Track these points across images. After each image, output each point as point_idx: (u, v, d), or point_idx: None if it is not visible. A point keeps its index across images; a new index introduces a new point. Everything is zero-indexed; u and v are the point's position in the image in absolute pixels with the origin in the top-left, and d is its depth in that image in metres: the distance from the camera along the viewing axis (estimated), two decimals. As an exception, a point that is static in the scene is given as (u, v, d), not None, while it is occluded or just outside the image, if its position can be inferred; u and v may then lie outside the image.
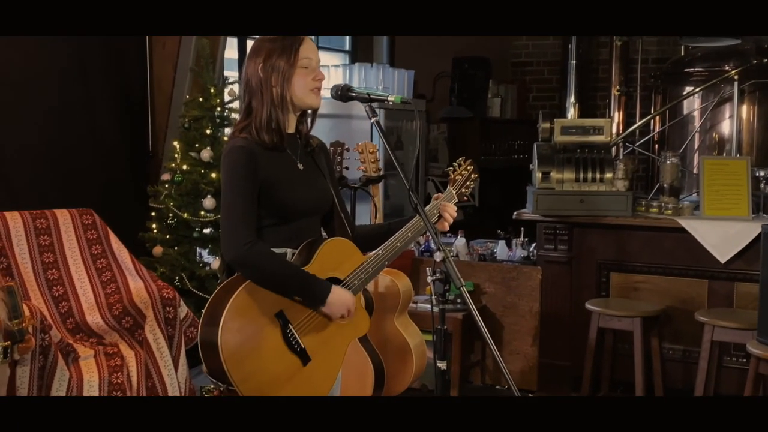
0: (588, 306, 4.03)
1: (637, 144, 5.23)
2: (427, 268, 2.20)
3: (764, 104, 4.89)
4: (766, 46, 4.92)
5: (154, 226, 4.25)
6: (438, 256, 2.09)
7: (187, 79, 4.56)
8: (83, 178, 4.24)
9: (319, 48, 2.37)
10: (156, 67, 4.66)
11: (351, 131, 5.01)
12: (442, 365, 2.15)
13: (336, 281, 2.25)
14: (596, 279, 4.33)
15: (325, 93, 2.31)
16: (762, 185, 4.19)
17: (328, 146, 2.62)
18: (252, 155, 2.19)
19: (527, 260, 4.66)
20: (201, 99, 4.27)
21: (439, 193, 2.56)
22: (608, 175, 4.26)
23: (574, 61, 6.62)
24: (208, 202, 4.11)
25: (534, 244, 4.63)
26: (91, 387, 3.12)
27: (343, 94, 2.29)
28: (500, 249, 4.82)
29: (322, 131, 4.84)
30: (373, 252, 2.34)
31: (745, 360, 3.83)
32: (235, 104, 4.31)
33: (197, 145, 4.21)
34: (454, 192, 2.57)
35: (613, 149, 4.87)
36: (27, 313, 2.84)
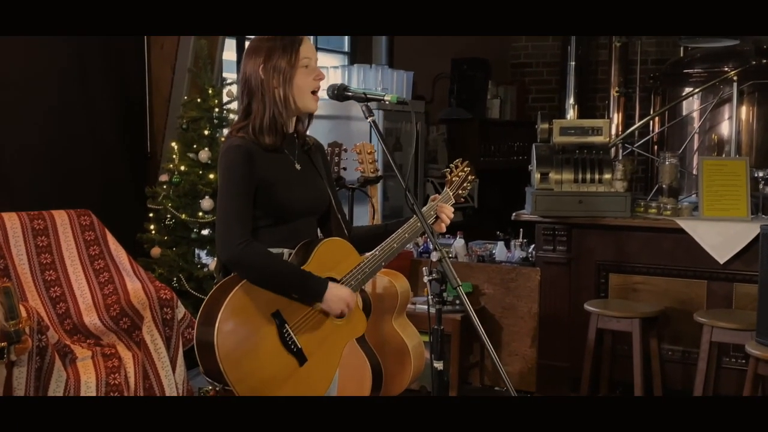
0: (587, 307, 4.03)
1: (636, 145, 5.23)
2: (424, 268, 2.19)
3: (763, 105, 4.88)
4: (765, 46, 4.92)
5: (152, 227, 4.25)
6: (435, 256, 2.09)
7: (186, 80, 4.56)
8: (81, 179, 4.24)
9: (318, 49, 2.37)
10: (154, 68, 4.66)
11: (349, 132, 5.00)
12: (439, 365, 2.15)
13: (333, 281, 2.24)
14: (595, 280, 4.33)
15: (323, 94, 2.31)
16: (761, 186, 4.18)
17: (325, 147, 2.62)
18: (249, 155, 2.18)
19: (526, 261, 4.66)
20: (199, 100, 4.27)
21: (436, 194, 2.56)
22: (607, 176, 4.25)
23: (574, 62, 6.63)
24: (206, 203, 4.11)
25: (533, 245, 4.63)
26: (89, 388, 3.11)
27: (339, 93, 2.28)
28: (499, 250, 4.81)
29: (320, 132, 4.87)
30: (370, 252, 2.34)
31: (744, 361, 3.82)
32: (234, 105, 4.30)
33: (195, 146, 4.21)
34: (451, 193, 2.57)
35: (612, 150, 4.87)
36: (24, 314, 2.84)
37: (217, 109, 4.28)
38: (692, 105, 5.08)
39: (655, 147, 5.45)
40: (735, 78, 4.69)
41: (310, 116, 2.35)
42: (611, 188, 4.24)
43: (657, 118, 5.43)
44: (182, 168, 4.19)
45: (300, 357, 2.16)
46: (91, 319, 3.39)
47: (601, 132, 4.31)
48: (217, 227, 2.19)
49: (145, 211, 4.28)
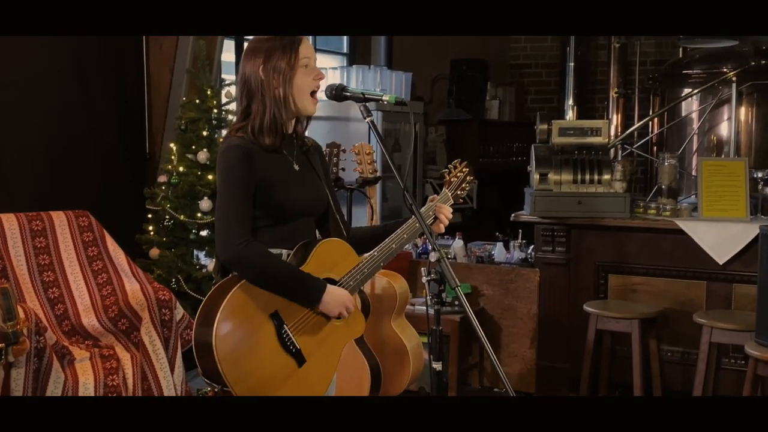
0: (586, 308, 4.02)
1: (635, 146, 5.22)
2: (422, 269, 2.19)
3: (762, 106, 4.88)
4: (764, 47, 4.92)
5: (150, 228, 4.24)
6: (433, 257, 2.08)
7: (184, 81, 4.56)
8: (80, 180, 4.23)
9: (317, 50, 2.37)
10: (153, 69, 4.66)
11: (348, 133, 5.00)
12: (437, 366, 2.14)
13: (331, 282, 2.24)
14: (594, 281, 4.32)
15: (321, 95, 2.31)
16: (760, 186, 4.18)
17: (324, 147, 2.61)
18: (248, 155, 2.18)
19: (525, 262, 4.65)
20: (198, 101, 4.27)
21: (435, 195, 2.55)
22: (606, 177, 4.25)
23: (573, 63, 6.64)
24: (205, 204, 4.10)
25: (532, 246, 4.62)
26: (87, 389, 3.10)
27: (337, 93, 2.28)
28: (498, 251, 4.80)
29: (319, 133, 4.87)
30: (369, 253, 2.33)
31: (743, 361, 3.82)
32: (232, 106, 4.30)
33: (194, 147, 4.21)
34: (450, 194, 2.56)
35: (612, 151, 4.87)
36: (22, 315, 2.83)
37: (215, 110, 4.28)
38: (691, 106, 5.08)
39: (655, 148, 5.45)
40: (734, 79, 4.69)
41: (309, 117, 2.35)
42: (610, 189, 4.24)
43: (656, 119, 5.42)
44: (181, 169, 4.19)
45: (299, 358, 2.16)
46: (89, 320, 3.38)
47: (600, 133, 4.30)
48: (216, 227, 2.18)
49: (143, 212, 4.28)
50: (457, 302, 4.31)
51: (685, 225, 4.04)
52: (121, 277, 3.55)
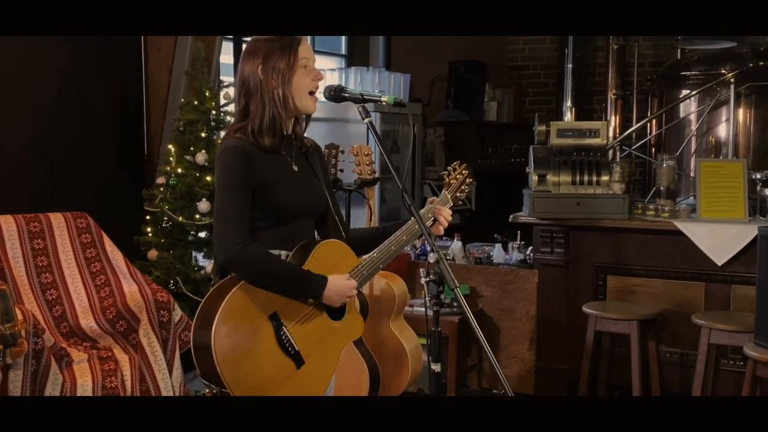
0: (585, 309, 4.02)
1: (633, 147, 5.23)
2: (421, 270, 2.19)
3: (760, 107, 4.89)
4: (762, 49, 4.92)
5: (149, 229, 4.24)
6: (432, 258, 2.08)
7: (183, 82, 4.56)
8: (78, 182, 4.23)
9: (315, 51, 2.37)
10: (151, 71, 4.65)
11: (346, 134, 5.00)
12: (436, 367, 2.14)
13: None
14: (593, 282, 4.32)
15: (320, 96, 2.30)
16: (758, 188, 4.18)
17: (322, 149, 2.61)
18: (246, 155, 2.18)
19: (524, 263, 4.65)
20: (196, 102, 4.26)
21: (434, 197, 2.55)
22: (605, 178, 4.25)
23: (571, 65, 6.64)
24: (203, 205, 4.10)
25: (530, 248, 4.62)
26: (85, 391, 3.10)
27: (336, 94, 2.28)
28: (497, 252, 4.80)
29: (317, 134, 4.86)
30: (368, 255, 2.33)
31: (742, 363, 3.81)
32: (231, 107, 4.30)
33: (192, 149, 4.21)
34: (449, 196, 2.56)
35: (610, 152, 4.87)
36: (20, 316, 2.82)
37: (214, 112, 4.27)
38: (689, 107, 5.08)
39: (653, 149, 5.45)
40: (732, 80, 4.69)
41: (308, 118, 2.35)
42: (609, 190, 4.24)
43: (654, 121, 5.43)
44: (179, 170, 4.18)
45: (297, 359, 2.15)
46: (87, 321, 3.38)
47: (598, 134, 4.30)
48: (214, 228, 2.18)
49: (141, 213, 4.27)
50: (455, 303, 4.30)
51: (683, 226, 4.04)
52: (119, 279, 3.55)
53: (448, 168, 2.62)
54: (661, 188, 4.34)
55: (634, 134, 5.58)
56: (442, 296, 2.21)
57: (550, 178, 4.28)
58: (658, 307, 4.09)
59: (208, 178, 4.12)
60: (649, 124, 5.48)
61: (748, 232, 3.91)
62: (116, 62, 4.50)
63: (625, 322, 3.89)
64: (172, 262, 4.12)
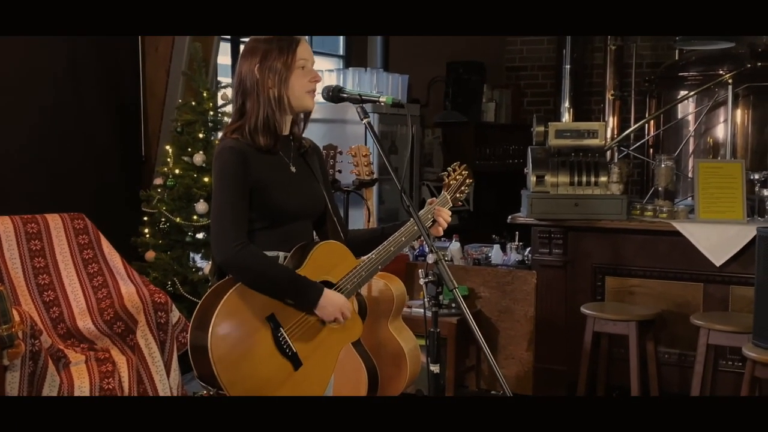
0: (583, 310, 4.02)
1: (631, 148, 5.23)
2: (420, 271, 2.18)
3: (758, 108, 4.89)
4: (760, 50, 4.92)
5: (146, 230, 4.23)
6: (431, 258, 2.07)
7: (180, 83, 4.55)
8: (75, 182, 4.22)
9: (313, 52, 2.36)
10: (149, 71, 4.64)
11: (345, 135, 4.99)
12: (435, 368, 2.13)
13: (328, 285, 2.23)
14: (591, 283, 4.32)
15: (318, 97, 2.29)
16: (756, 188, 4.18)
17: (321, 149, 2.60)
18: (243, 156, 2.17)
19: (522, 264, 4.65)
20: (194, 103, 4.25)
21: (434, 198, 2.54)
22: (603, 179, 4.25)
23: (569, 66, 6.64)
24: (201, 206, 4.09)
25: (529, 248, 4.62)
26: (82, 393, 3.09)
27: (334, 95, 2.27)
28: (495, 253, 4.80)
29: (315, 135, 4.84)
30: (366, 256, 2.32)
31: (740, 363, 3.81)
32: (228, 108, 4.29)
33: (190, 150, 4.20)
34: (449, 197, 2.55)
35: (608, 153, 4.87)
36: (17, 318, 2.81)
37: (211, 113, 4.26)
38: (687, 108, 5.08)
39: (651, 150, 5.45)
40: (730, 81, 4.69)
41: (306, 118, 2.34)
42: (607, 191, 4.24)
43: (652, 121, 5.43)
44: (177, 171, 4.17)
45: (295, 361, 2.14)
46: (84, 323, 3.37)
47: (596, 135, 4.30)
48: (212, 230, 2.17)
49: (139, 214, 4.26)
50: (453, 304, 4.30)
51: (682, 227, 4.04)
52: (116, 280, 3.54)
53: (448, 169, 2.61)
54: (660, 189, 4.34)
55: (632, 135, 5.58)
56: (441, 297, 2.20)
57: (549, 178, 4.28)
58: (657, 308, 4.09)
59: (206, 179, 4.11)
60: (647, 125, 5.48)
61: (747, 232, 3.91)
62: (113, 63, 4.48)
63: (624, 322, 3.89)
64: (169, 264, 4.11)
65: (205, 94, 4.25)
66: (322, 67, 5.84)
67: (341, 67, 6.37)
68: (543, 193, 4.27)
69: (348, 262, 2.29)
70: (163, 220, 4.16)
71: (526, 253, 4.70)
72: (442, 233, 2.45)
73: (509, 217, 4.51)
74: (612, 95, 6.51)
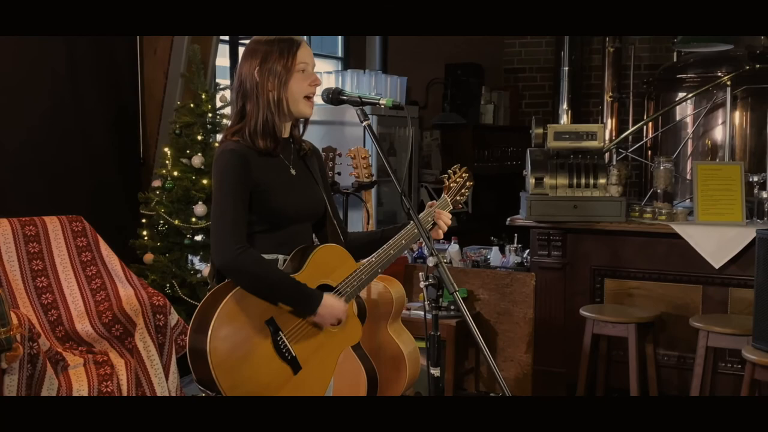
0: (582, 312, 4.01)
1: (630, 150, 5.23)
2: (420, 273, 2.17)
3: (757, 110, 4.89)
4: (759, 51, 4.92)
5: (144, 233, 4.22)
6: (431, 261, 2.07)
7: (179, 85, 4.54)
8: (73, 185, 4.21)
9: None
10: (147, 73, 4.64)
11: (344, 137, 4.99)
12: (435, 372, 2.13)
13: (328, 288, 2.22)
14: (590, 285, 4.32)
15: (317, 99, 2.29)
16: (755, 190, 4.18)
17: (320, 152, 2.60)
18: (243, 159, 2.16)
19: (521, 266, 4.64)
20: (192, 105, 4.25)
21: (433, 201, 2.54)
22: (602, 181, 4.25)
23: (567, 68, 6.63)
24: (199, 208, 4.08)
25: (527, 251, 4.61)
26: (81, 395, 3.08)
27: (334, 97, 2.27)
28: (494, 255, 4.79)
29: (314, 137, 4.83)
30: (366, 259, 2.32)
31: (740, 366, 3.81)
32: (227, 110, 4.28)
33: (188, 152, 4.19)
34: (449, 199, 2.55)
35: (606, 155, 4.87)
36: (15, 321, 2.80)
37: (210, 115, 4.26)
38: (686, 110, 5.08)
39: (649, 152, 5.45)
40: (728, 83, 4.69)
41: (306, 121, 2.33)
42: (606, 193, 4.24)
43: (651, 123, 5.42)
44: (175, 173, 4.17)
45: (294, 365, 2.14)
46: (83, 326, 3.36)
47: (595, 137, 4.30)
48: (211, 233, 2.16)
49: (137, 217, 4.25)
50: (453, 307, 4.30)
51: (681, 229, 4.04)
52: (115, 283, 3.53)
53: (449, 171, 2.60)
54: (658, 191, 4.34)
55: (630, 137, 5.57)
56: (440, 299, 2.20)
57: (547, 181, 4.28)
58: (656, 310, 4.09)
59: (205, 181, 4.10)
60: (645, 127, 5.47)
61: (746, 234, 3.91)
62: (112, 65, 4.48)
63: (623, 325, 3.88)
64: (168, 266, 4.10)
65: (203, 96, 4.24)
66: (321, 68, 5.83)
67: (340, 68, 6.36)
68: (542, 195, 4.27)
69: (348, 265, 2.28)
70: (161, 222, 4.15)
71: (525, 255, 4.70)
72: (442, 236, 2.45)
73: (508, 219, 4.51)
74: (610, 97, 6.51)
